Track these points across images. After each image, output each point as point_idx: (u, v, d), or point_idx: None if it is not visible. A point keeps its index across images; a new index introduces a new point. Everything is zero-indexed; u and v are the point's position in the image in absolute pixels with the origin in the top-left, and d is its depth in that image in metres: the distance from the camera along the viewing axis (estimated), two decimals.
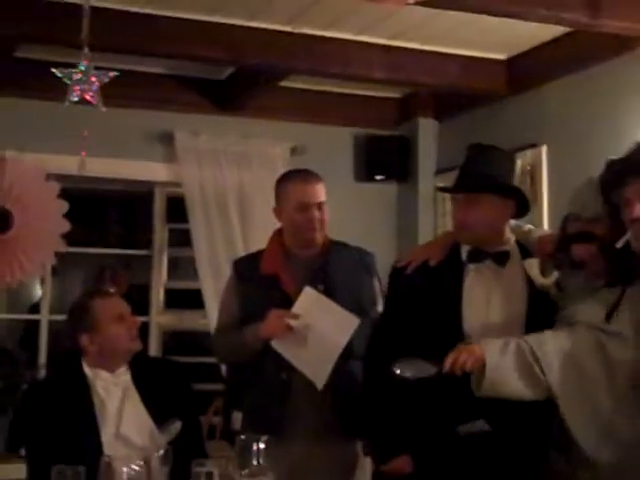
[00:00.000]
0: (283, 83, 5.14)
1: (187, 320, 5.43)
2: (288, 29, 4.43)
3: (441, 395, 2.71)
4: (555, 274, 2.71)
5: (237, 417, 3.37)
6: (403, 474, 2.76)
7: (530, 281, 2.78)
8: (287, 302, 3.16)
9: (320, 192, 3.26)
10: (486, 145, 2.91)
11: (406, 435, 2.77)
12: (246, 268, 3.37)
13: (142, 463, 2.00)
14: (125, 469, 1.97)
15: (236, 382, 3.45)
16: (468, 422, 2.68)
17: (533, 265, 2.75)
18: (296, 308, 3.13)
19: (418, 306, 2.81)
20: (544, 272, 2.74)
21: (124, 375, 3.06)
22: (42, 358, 5.11)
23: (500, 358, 2.53)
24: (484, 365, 2.52)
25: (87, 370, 3.05)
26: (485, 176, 2.79)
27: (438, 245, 2.98)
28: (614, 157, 2.56)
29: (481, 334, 2.72)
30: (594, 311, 2.52)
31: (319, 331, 3.11)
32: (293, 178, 3.32)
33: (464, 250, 2.85)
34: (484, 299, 2.78)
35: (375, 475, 3.07)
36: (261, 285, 3.25)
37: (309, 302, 3.14)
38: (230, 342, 3.30)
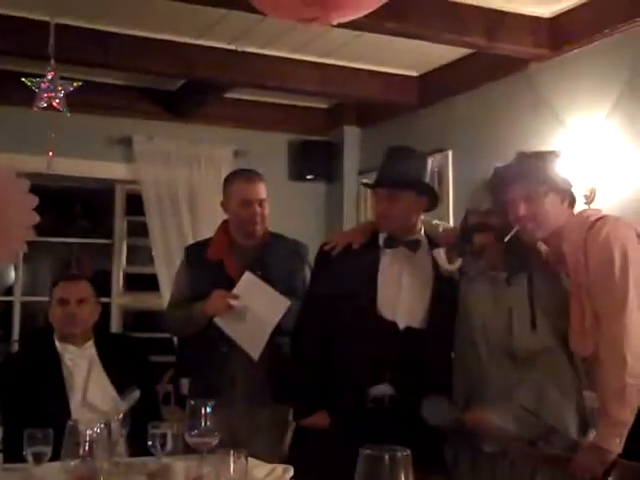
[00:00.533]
0: (227, 94, 5.12)
1: (144, 300, 5.37)
2: (232, 47, 4.39)
3: (353, 360, 2.72)
4: (459, 261, 2.74)
5: (184, 383, 3.33)
6: (320, 428, 2.73)
7: (436, 266, 2.79)
8: (230, 284, 3.14)
9: (261, 190, 3.23)
10: (403, 147, 2.91)
11: (324, 395, 2.76)
12: (196, 254, 3.34)
13: (103, 426, 1.95)
14: (88, 431, 1.93)
15: (184, 352, 3.41)
16: (375, 385, 2.69)
17: (441, 253, 2.77)
18: (237, 290, 3.12)
19: (340, 283, 2.79)
20: (450, 260, 2.76)
21: (90, 349, 3.01)
22: (15, 334, 5.00)
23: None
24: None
25: (57, 344, 2.99)
26: (403, 175, 2.78)
27: (360, 231, 2.97)
28: (499, 164, 2.59)
29: (391, 306, 2.73)
30: (526, 332, 2.50)
31: (255, 310, 3.10)
32: (238, 177, 3.29)
33: (381, 237, 2.85)
34: (396, 278, 2.78)
35: (296, 431, 3.04)
36: (208, 269, 3.22)
37: (248, 285, 3.12)
38: (180, 317, 3.26)
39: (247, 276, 3.13)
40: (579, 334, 2.39)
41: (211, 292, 3.10)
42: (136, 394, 2.79)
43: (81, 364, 2.95)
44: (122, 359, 3.00)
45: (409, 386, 2.69)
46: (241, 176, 3.29)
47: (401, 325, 2.73)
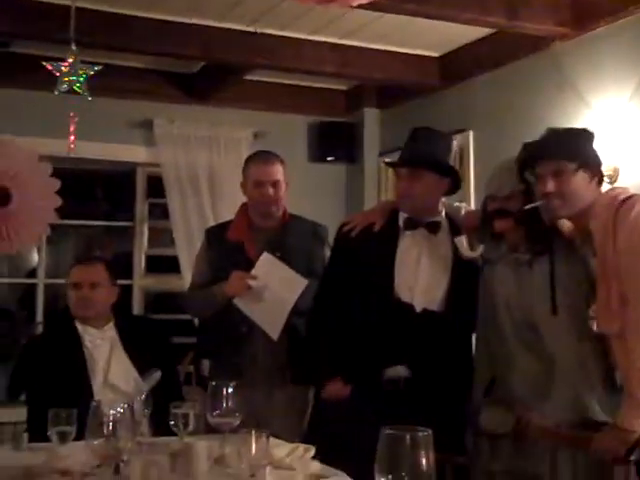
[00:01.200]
0: (247, 77, 5.10)
1: (165, 282, 5.39)
2: (251, 29, 4.37)
3: (370, 341, 2.71)
4: (480, 247, 2.71)
5: (205, 364, 3.36)
6: (340, 399, 2.71)
7: (455, 251, 2.76)
8: (249, 265, 3.16)
9: (275, 172, 3.23)
10: (427, 127, 2.87)
11: (341, 365, 2.73)
12: (216, 235, 3.36)
13: (126, 406, 1.98)
14: (111, 411, 1.95)
15: (205, 334, 3.43)
16: (391, 366, 2.68)
17: (462, 240, 2.75)
18: (255, 270, 3.13)
19: (359, 263, 2.78)
20: (471, 245, 2.73)
21: (110, 331, 3.04)
22: (39, 316, 5.05)
23: None
24: None
25: (78, 326, 3.02)
26: (427, 154, 2.75)
27: (379, 212, 2.95)
28: (529, 141, 2.56)
29: (408, 288, 2.72)
30: (548, 314, 2.46)
31: (274, 290, 3.11)
32: (255, 159, 3.30)
33: (401, 218, 2.83)
34: (415, 260, 2.76)
35: (314, 408, 3.02)
36: (228, 250, 3.24)
37: (266, 265, 3.14)
38: (200, 299, 3.28)
39: (265, 257, 3.14)
40: (605, 314, 2.35)
41: (231, 273, 3.11)
42: (157, 375, 2.82)
43: (102, 346, 2.98)
44: (143, 341, 3.02)
45: (426, 368, 2.68)
46: (258, 158, 3.29)
47: (418, 307, 2.72)
